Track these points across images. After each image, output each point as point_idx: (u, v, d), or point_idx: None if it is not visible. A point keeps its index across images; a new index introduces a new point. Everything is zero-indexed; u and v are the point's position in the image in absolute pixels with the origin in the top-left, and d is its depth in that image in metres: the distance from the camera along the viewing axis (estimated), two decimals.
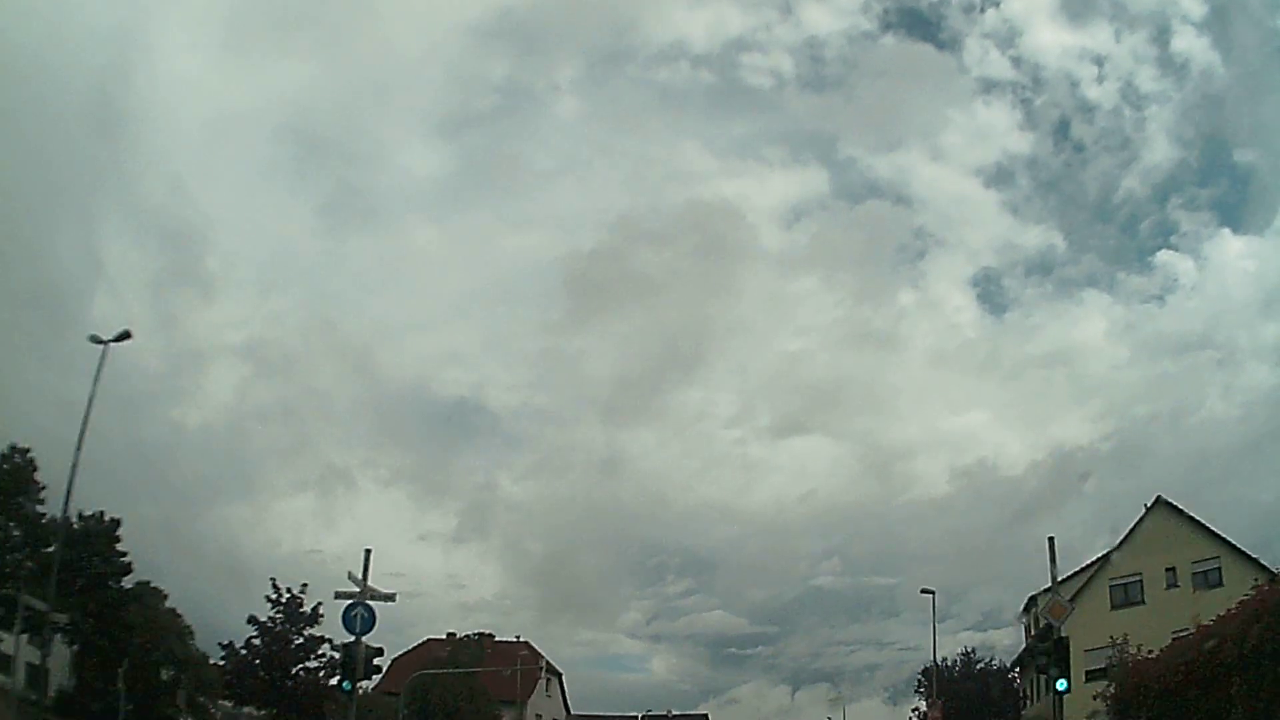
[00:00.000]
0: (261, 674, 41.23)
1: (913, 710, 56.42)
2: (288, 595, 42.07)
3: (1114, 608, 39.47)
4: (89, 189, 72.28)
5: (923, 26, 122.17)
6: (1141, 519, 39.80)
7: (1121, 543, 40.07)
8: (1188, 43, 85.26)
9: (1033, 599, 45.09)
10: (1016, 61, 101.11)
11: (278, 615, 41.90)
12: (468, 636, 55.10)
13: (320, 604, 41.36)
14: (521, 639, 66.88)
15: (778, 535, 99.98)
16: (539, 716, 64.21)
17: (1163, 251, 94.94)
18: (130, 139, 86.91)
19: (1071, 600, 38.82)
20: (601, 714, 75.89)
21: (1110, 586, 39.89)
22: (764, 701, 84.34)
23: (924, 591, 39.43)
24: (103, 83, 74.40)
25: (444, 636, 59.80)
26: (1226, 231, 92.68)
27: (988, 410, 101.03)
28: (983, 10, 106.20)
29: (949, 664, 43.07)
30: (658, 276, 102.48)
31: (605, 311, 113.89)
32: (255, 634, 41.52)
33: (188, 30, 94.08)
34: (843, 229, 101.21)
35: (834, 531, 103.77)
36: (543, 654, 67.84)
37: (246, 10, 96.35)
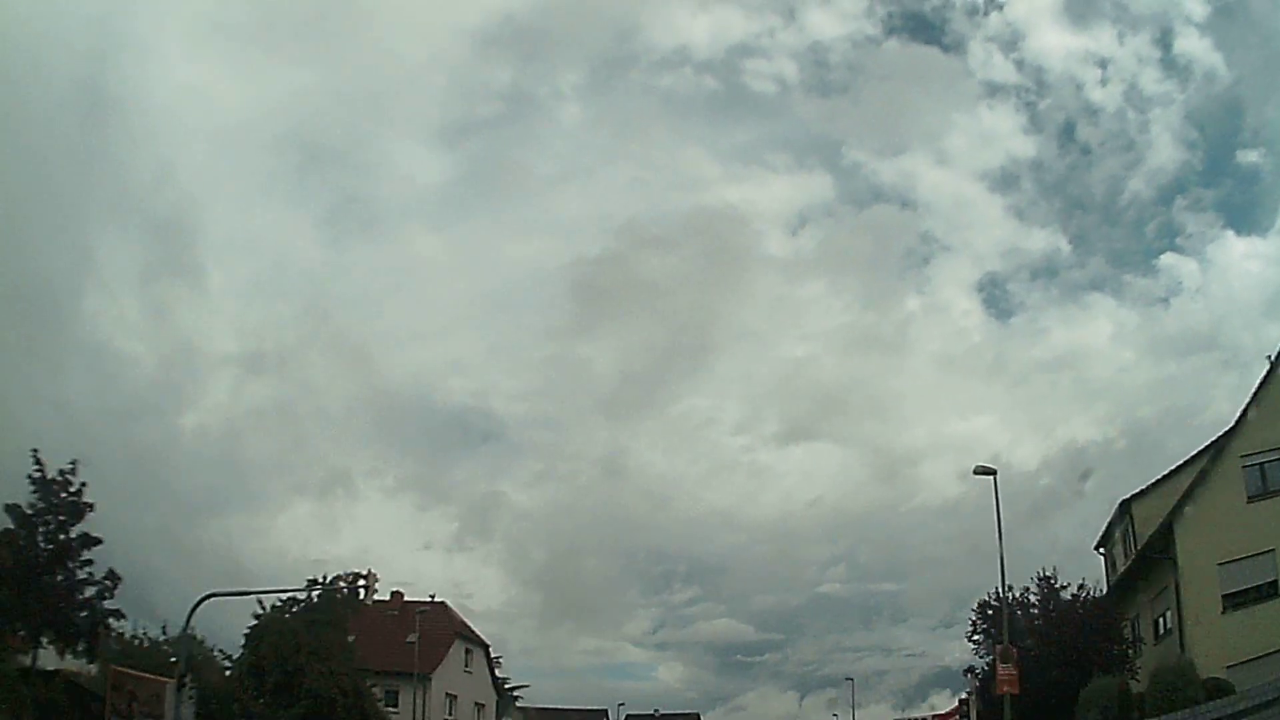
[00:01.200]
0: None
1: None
2: (55, 476, 28.91)
3: (1252, 499, 27.36)
4: (83, 194, 66.42)
5: (926, 30, 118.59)
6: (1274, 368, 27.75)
7: (1249, 406, 27.90)
8: (1191, 44, 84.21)
9: (1125, 507, 32.66)
10: (1020, 65, 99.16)
11: (36, 500, 28.75)
12: (342, 582, 41.11)
13: (85, 485, 28.51)
14: (438, 599, 53.78)
15: (784, 542, 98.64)
16: (452, 696, 50.51)
17: (1167, 254, 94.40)
18: (126, 145, 79.40)
19: (1185, 502, 27.20)
20: (565, 707, 71.08)
21: (1243, 468, 27.62)
22: (771, 708, 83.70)
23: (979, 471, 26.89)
24: (91, 72, 70.94)
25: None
26: (1230, 233, 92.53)
27: (994, 415, 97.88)
28: (986, 13, 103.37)
29: (1021, 596, 29.96)
30: (663, 283, 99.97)
31: (610, 318, 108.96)
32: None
33: (186, 38, 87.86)
34: (848, 234, 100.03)
35: (841, 538, 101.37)
36: (467, 621, 54.61)
37: (244, 18, 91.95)
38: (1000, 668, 26.37)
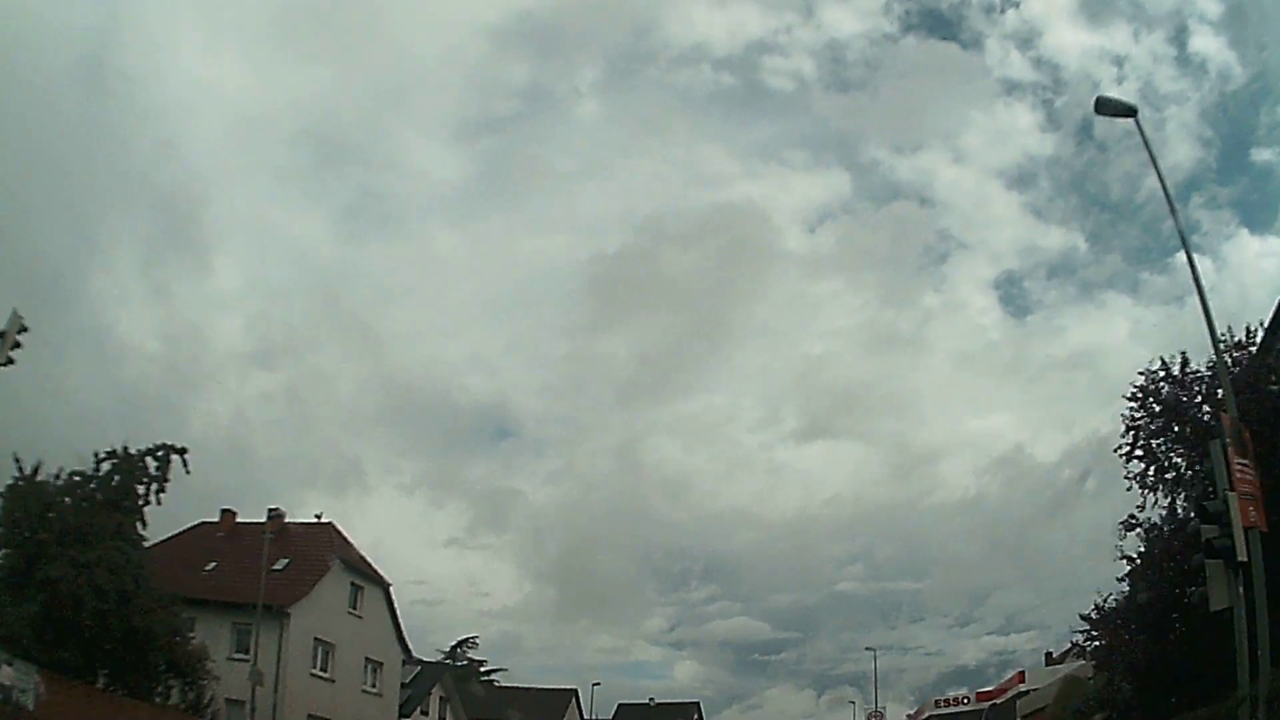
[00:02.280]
0: None
1: None
2: None
3: None
4: (97, 195, 66.31)
5: (944, 28, 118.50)
6: None
7: None
8: (1205, 43, 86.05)
9: None
10: (1037, 62, 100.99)
11: None
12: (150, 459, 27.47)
13: None
14: (323, 518, 40.64)
15: (802, 540, 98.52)
16: (325, 643, 36.86)
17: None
18: (142, 144, 77.91)
19: None
20: (535, 686, 64.88)
21: None
22: (788, 706, 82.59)
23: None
24: (104, 59, 70.55)
25: None
26: (1244, 232, 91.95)
27: (1011, 413, 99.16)
28: (1003, 11, 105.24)
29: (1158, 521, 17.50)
30: (682, 280, 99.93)
31: (628, 315, 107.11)
32: None
33: (204, 34, 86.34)
34: (867, 231, 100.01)
35: (858, 535, 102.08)
36: (363, 554, 41.14)
37: (263, 15, 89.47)
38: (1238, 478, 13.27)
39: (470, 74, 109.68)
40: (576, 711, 64.35)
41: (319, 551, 38.23)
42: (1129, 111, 17.39)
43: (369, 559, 40.96)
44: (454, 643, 70.10)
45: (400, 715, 43.97)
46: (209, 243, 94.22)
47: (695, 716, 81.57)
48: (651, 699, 79.61)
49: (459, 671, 57.94)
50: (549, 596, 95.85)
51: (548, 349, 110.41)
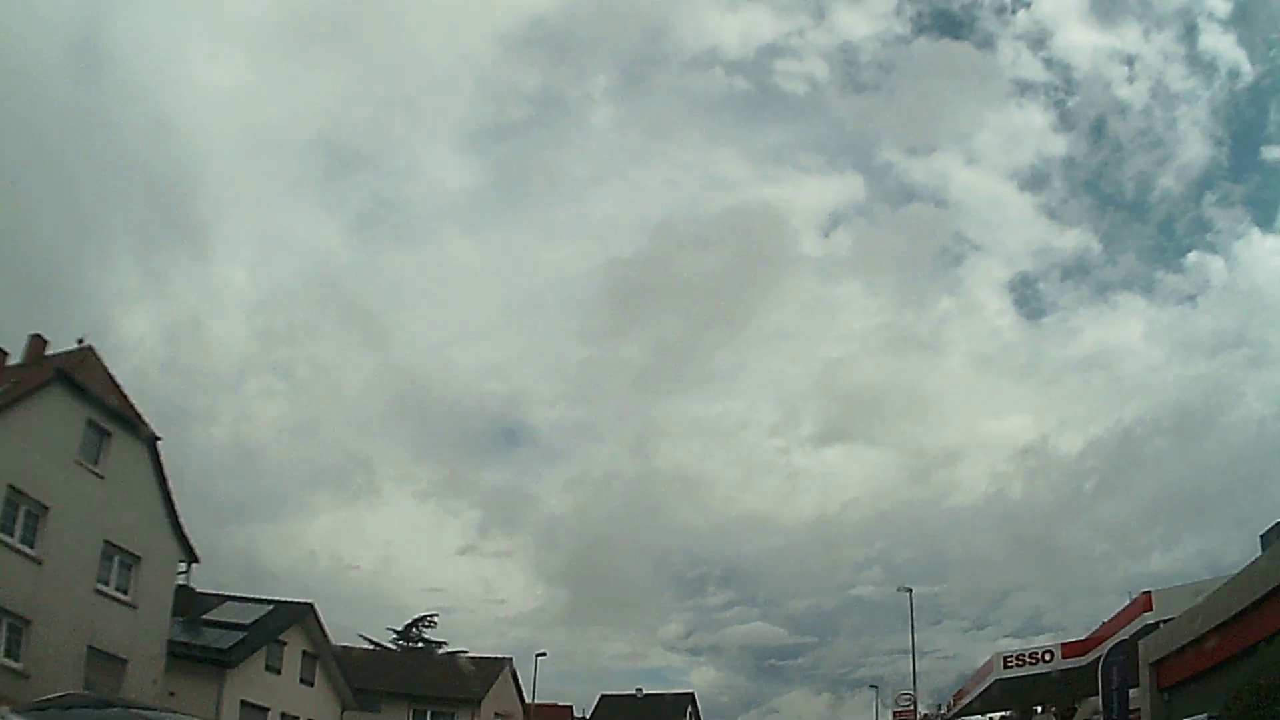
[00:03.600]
0: None
1: None
2: None
3: None
4: (108, 198, 65.13)
5: (955, 29, 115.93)
6: None
7: None
8: (1214, 40, 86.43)
9: None
10: (1049, 63, 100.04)
11: None
12: None
13: None
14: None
15: (819, 544, 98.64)
16: (34, 501, 23.32)
17: (1194, 252, 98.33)
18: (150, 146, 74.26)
19: None
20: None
21: None
22: (805, 711, 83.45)
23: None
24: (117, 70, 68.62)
25: None
26: (1256, 231, 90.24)
27: (1028, 415, 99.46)
28: (1014, 11, 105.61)
29: None
30: (697, 284, 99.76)
31: (644, 320, 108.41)
32: None
33: (215, 43, 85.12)
34: (883, 234, 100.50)
35: (875, 540, 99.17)
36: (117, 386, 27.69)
37: (273, 23, 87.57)
38: None
39: (482, 81, 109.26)
40: (511, 681, 52.26)
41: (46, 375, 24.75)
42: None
43: (133, 402, 27.33)
44: (409, 621, 62.78)
45: (221, 658, 30.49)
46: (221, 251, 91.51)
47: (689, 709, 69.29)
48: (639, 689, 73.16)
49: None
50: (565, 603, 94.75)
51: (563, 355, 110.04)
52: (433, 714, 40.94)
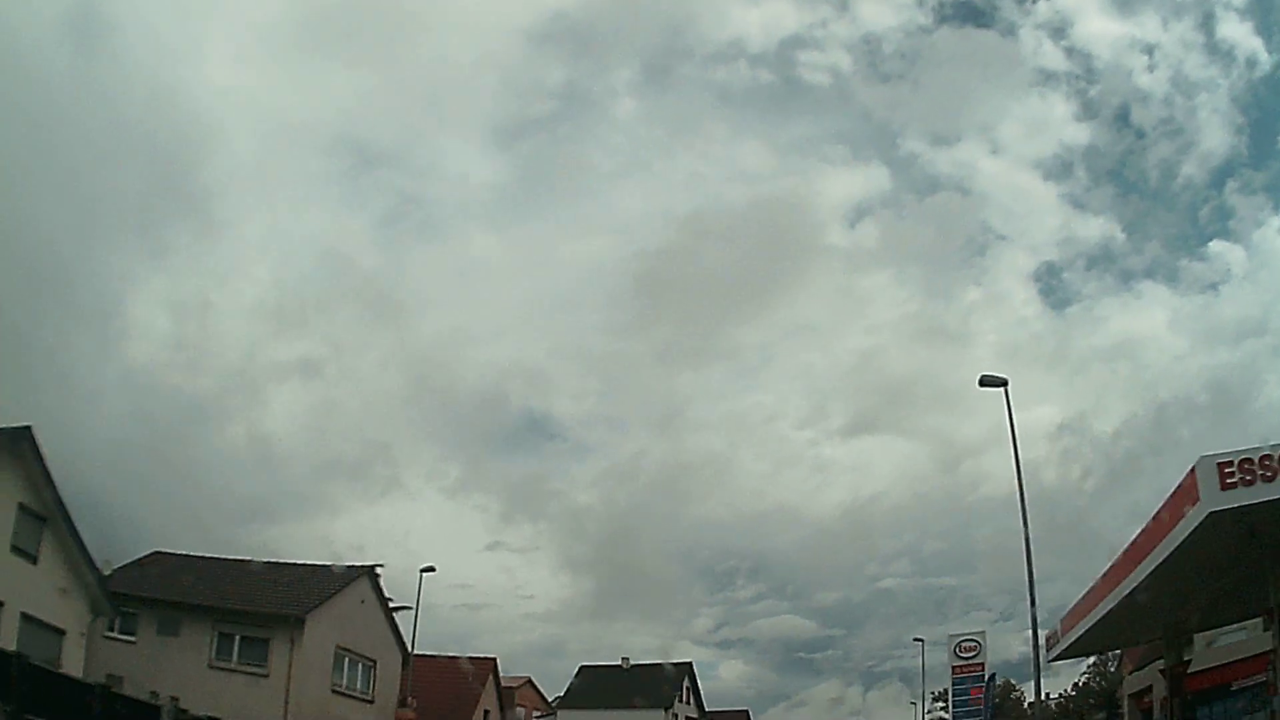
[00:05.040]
0: None
1: None
2: None
3: None
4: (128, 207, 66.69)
5: (977, 18, 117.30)
6: None
7: None
8: (1232, 29, 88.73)
9: None
10: (1070, 52, 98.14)
11: None
12: None
13: None
14: None
15: (848, 536, 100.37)
16: None
17: (1215, 241, 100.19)
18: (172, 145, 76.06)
19: None
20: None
21: None
22: (832, 704, 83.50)
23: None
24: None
25: None
26: (1276, 219, 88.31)
27: (1056, 404, 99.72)
28: (1034, 1, 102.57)
29: None
30: (725, 277, 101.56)
31: (672, 313, 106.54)
32: None
33: (236, 42, 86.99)
34: (910, 224, 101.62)
35: (904, 531, 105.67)
36: None
37: (295, 22, 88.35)
38: None
39: (506, 76, 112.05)
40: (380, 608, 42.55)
41: None
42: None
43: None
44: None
45: None
46: (244, 251, 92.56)
47: (685, 682, 65.25)
48: (625, 658, 67.99)
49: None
50: (593, 598, 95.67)
51: (591, 350, 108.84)
52: (243, 640, 31.37)
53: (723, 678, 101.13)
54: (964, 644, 48.32)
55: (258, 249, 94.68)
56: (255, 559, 36.04)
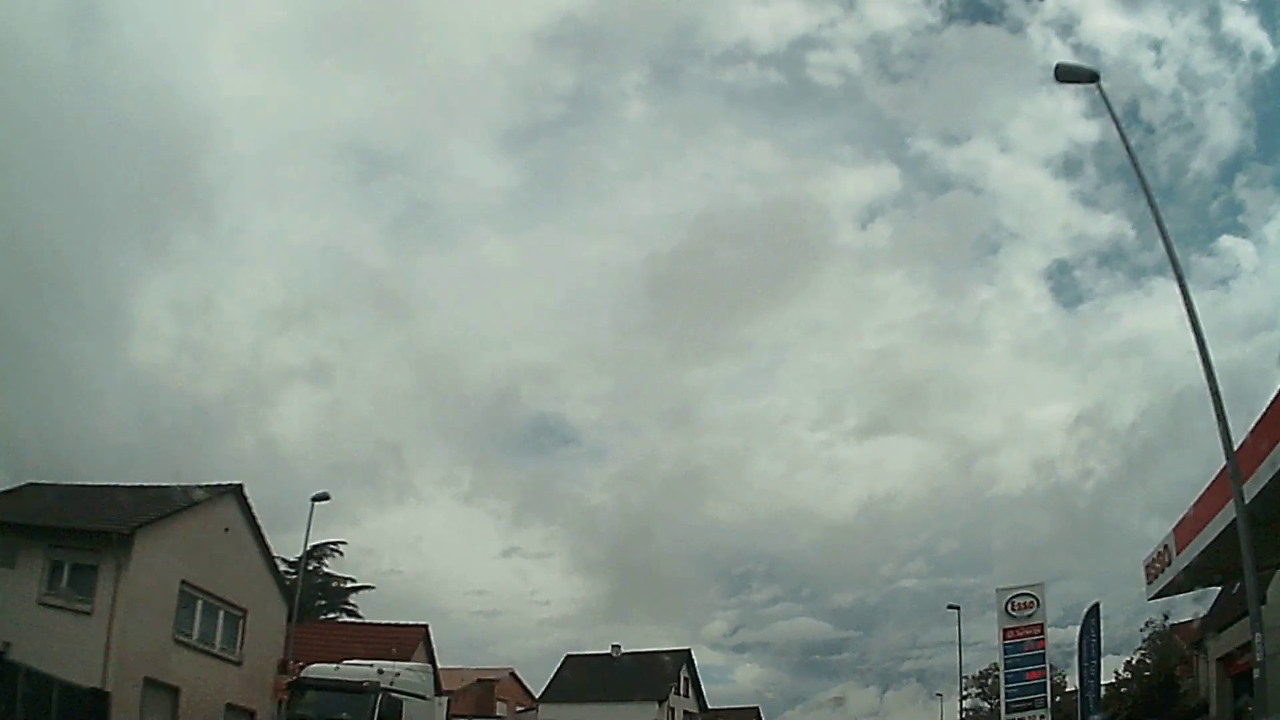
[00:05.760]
0: None
1: None
2: None
3: None
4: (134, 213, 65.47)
5: (985, 16, 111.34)
6: None
7: None
8: (1237, 23, 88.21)
9: None
10: (1078, 48, 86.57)
11: None
12: None
13: None
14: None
15: (863, 537, 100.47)
16: None
17: (1224, 236, 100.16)
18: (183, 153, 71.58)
19: None
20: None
21: None
22: (850, 705, 79.92)
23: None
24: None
25: None
26: None
27: (1069, 402, 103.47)
28: None
29: None
30: (737, 278, 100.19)
31: (685, 316, 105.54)
32: None
33: (244, 46, 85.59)
34: (922, 223, 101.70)
35: (919, 531, 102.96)
36: None
37: (303, 27, 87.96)
38: None
39: (514, 80, 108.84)
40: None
41: None
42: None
43: None
44: (312, 545, 50.04)
45: None
46: (253, 250, 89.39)
47: (683, 672, 58.07)
48: (615, 646, 63.14)
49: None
50: (608, 603, 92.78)
51: (604, 353, 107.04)
52: (72, 568, 24.24)
53: (738, 681, 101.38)
54: (1017, 599, 39.15)
55: (266, 252, 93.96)
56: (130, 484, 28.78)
